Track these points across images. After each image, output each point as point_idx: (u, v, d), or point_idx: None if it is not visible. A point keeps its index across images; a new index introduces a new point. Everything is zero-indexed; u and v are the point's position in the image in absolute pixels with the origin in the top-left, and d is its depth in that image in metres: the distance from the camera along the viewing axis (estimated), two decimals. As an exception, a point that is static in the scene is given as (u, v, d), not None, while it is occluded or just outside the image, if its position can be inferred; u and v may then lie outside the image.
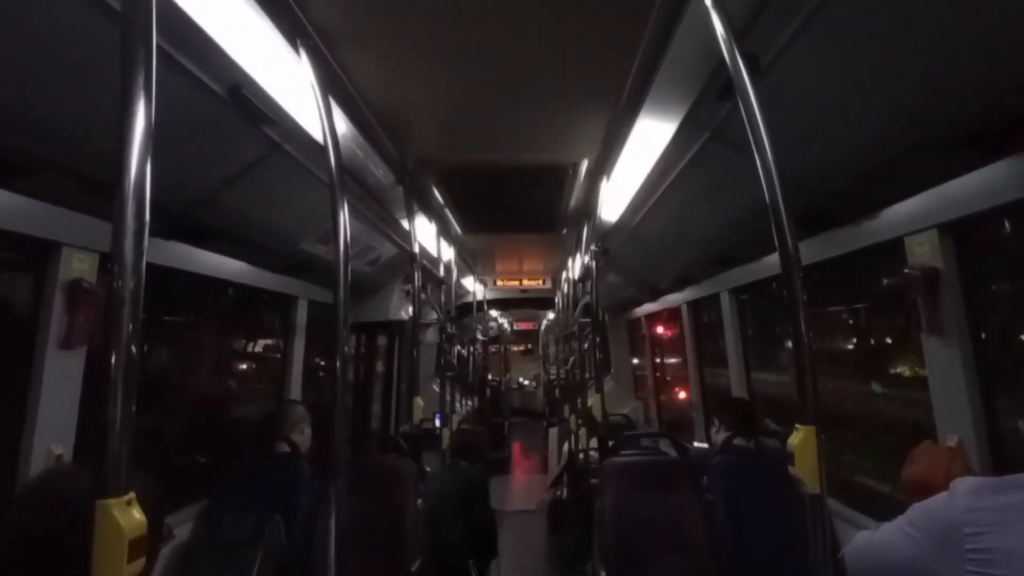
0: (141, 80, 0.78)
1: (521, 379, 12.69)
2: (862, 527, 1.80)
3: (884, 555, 1.24)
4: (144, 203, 0.76)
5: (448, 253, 4.10)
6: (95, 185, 1.65)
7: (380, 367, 5.34)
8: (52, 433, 1.68)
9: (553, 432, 5.55)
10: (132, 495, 0.69)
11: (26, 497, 0.83)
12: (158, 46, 0.81)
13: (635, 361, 6.28)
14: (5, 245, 1.67)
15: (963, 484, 1.13)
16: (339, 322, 1.47)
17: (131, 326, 0.72)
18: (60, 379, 1.71)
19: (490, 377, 8.90)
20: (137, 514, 0.68)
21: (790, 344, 3.09)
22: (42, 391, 1.66)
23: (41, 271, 1.71)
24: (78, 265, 1.75)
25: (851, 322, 2.84)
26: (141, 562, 0.67)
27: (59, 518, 0.75)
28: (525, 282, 6.85)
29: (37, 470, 1.64)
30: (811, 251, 2.13)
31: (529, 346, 14.02)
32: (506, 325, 11.04)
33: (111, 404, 0.70)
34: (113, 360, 0.71)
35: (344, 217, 1.50)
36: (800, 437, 1.04)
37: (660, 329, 5.45)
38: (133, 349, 0.72)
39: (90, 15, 1.16)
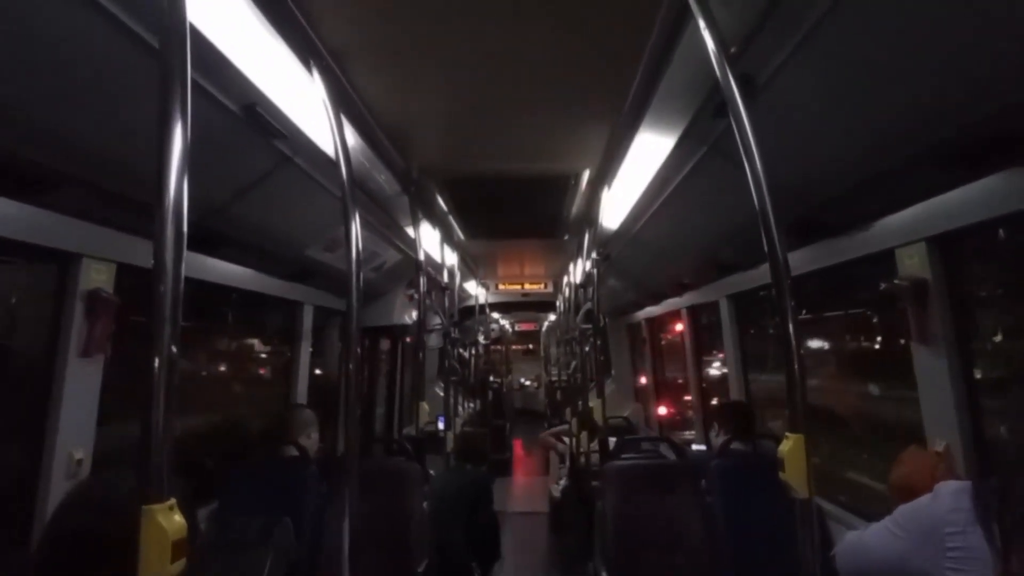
0: (178, 108, 0.83)
1: (523, 380, 12.67)
2: (853, 528, 1.85)
3: (872, 553, 1.31)
4: (182, 219, 0.82)
5: (451, 258, 4.16)
6: (113, 198, 1.72)
7: (383, 371, 5.40)
8: (73, 439, 1.74)
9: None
10: (173, 500, 0.75)
11: (70, 502, 0.89)
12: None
13: (638, 365, 6.34)
14: (28, 256, 1.73)
15: (946, 487, 1.20)
16: (351, 328, 1.52)
17: (172, 336, 0.78)
18: (80, 386, 1.77)
19: (491, 379, 8.93)
20: (178, 518, 0.74)
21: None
22: (63, 398, 1.72)
23: (61, 281, 1.77)
24: (96, 275, 1.81)
25: (843, 329, 2.91)
26: (183, 562, 0.73)
27: (102, 522, 0.81)
28: (527, 286, 6.89)
29: (59, 475, 1.70)
30: (805, 259, 2.19)
31: (531, 346, 14.00)
32: (507, 326, 11.06)
33: (153, 412, 0.75)
34: (156, 368, 0.76)
35: (356, 228, 1.56)
36: (790, 445, 1.09)
37: (660, 333, 5.50)
38: (174, 357, 0.77)
39: (121, 47, 1.22)
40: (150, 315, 0.78)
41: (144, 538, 0.71)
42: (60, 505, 0.88)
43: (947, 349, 1.66)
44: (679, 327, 4.32)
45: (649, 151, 2.13)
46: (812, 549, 1.09)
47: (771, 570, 2.08)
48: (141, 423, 0.75)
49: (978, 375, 1.66)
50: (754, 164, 1.17)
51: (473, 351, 7.83)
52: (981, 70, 1.20)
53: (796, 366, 1.12)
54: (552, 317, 9.48)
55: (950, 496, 1.17)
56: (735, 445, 2.48)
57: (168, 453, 0.75)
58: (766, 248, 1.18)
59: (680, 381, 5.01)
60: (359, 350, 1.56)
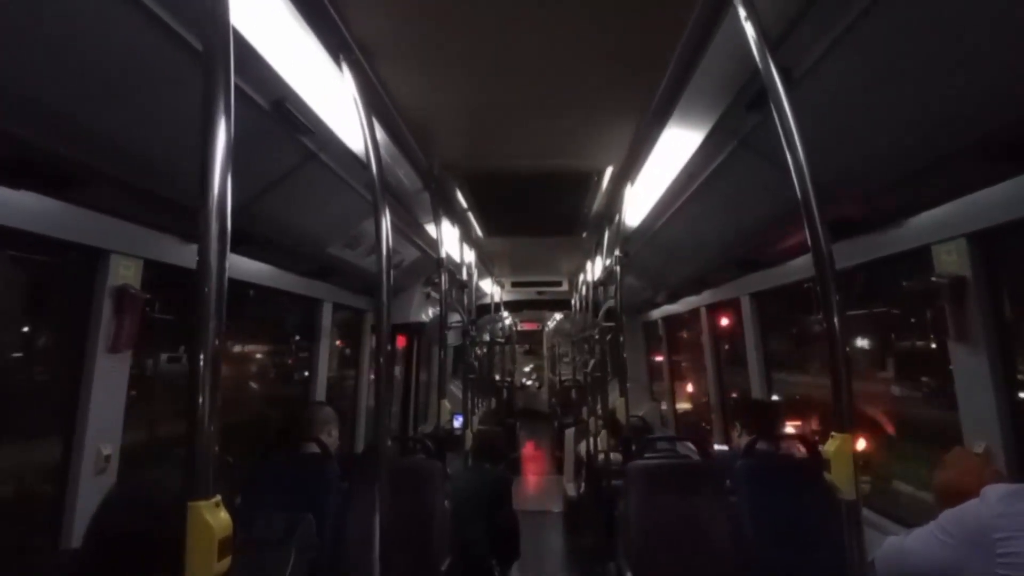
0: (221, 108, 0.82)
1: (524, 380, 12.62)
2: (888, 532, 1.82)
3: (916, 560, 1.27)
4: (226, 217, 0.81)
5: (469, 256, 4.14)
6: (142, 195, 1.72)
7: (400, 369, 5.40)
8: (101, 434, 1.75)
9: (569, 433, 5.56)
10: (219, 497, 0.74)
11: (117, 499, 0.88)
12: None
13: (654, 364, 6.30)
14: (57, 252, 1.74)
15: (994, 491, 1.16)
16: (381, 326, 1.51)
17: (216, 333, 0.77)
18: (108, 381, 1.78)
19: (497, 378, 8.93)
20: (224, 514, 0.73)
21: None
22: (92, 393, 1.73)
23: (90, 277, 1.78)
24: (124, 272, 1.82)
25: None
26: (228, 560, 0.72)
27: (148, 520, 0.80)
28: (542, 284, 6.86)
29: (88, 470, 1.71)
30: (839, 256, 2.14)
31: (529, 347, 13.89)
32: (513, 325, 11.02)
33: (199, 410, 0.74)
34: (200, 366, 0.75)
35: (386, 226, 1.54)
36: (836, 445, 1.06)
37: (677, 332, 5.46)
38: (218, 354, 0.76)
39: (162, 49, 1.23)
40: (194, 313, 0.77)
41: (190, 535, 0.70)
42: (103, 504, 0.87)
43: (987, 348, 1.61)
44: (698, 325, 4.28)
45: (676, 146, 2.10)
46: (859, 554, 1.06)
47: (798, 573, 2.06)
48: (187, 420, 0.74)
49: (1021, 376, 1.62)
50: (797, 156, 1.15)
51: (486, 350, 7.82)
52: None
53: (842, 363, 1.09)
54: (558, 316, 9.42)
55: (999, 500, 1.13)
56: (759, 445, 2.45)
57: (213, 450, 0.74)
58: (809, 242, 1.15)
59: (698, 380, 4.96)
60: (388, 348, 1.54)
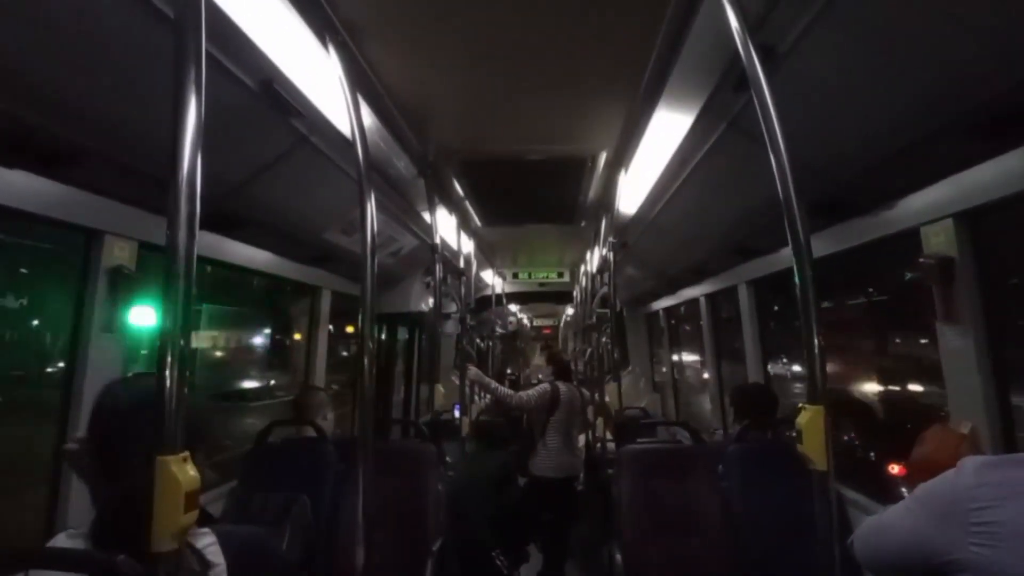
0: (192, 82, 0.83)
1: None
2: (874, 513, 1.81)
3: (890, 535, 1.25)
4: (195, 196, 0.81)
5: (468, 245, 4.15)
6: (136, 176, 1.74)
7: (400, 358, 5.44)
8: None
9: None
10: (187, 452, 0.75)
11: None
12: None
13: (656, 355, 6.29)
14: (52, 232, 1.77)
15: (970, 461, 1.13)
16: (365, 313, 1.51)
17: (184, 302, 0.78)
18: (103, 360, 1.80)
19: (508, 371, 8.94)
20: (191, 470, 0.75)
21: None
22: (87, 372, 1.76)
23: (85, 258, 1.80)
24: (119, 252, 1.84)
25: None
26: (195, 513, 0.74)
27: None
28: (543, 275, 6.87)
29: None
30: (828, 241, 2.14)
31: (548, 343, 14.04)
32: (525, 321, 11.05)
33: (169, 372, 0.76)
34: (170, 332, 0.77)
35: (371, 210, 1.55)
36: (808, 416, 1.07)
37: (678, 323, 5.45)
38: (188, 327, 0.78)
39: (141, 20, 1.23)
40: (164, 289, 0.79)
41: (158, 488, 0.72)
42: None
43: (974, 328, 1.61)
44: (697, 315, 4.27)
45: (667, 129, 2.09)
46: (829, 524, 1.07)
47: (786, 556, 2.06)
48: (156, 381, 0.76)
49: (1007, 356, 1.61)
50: (775, 140, 1.15)
51: (490, 343, 7.83)
52: (1012, 35, 1.15)
53: (815, 338, 1.09)
54: (570, 311, 9.44)
55: (975, 470, 1.11)
56: (754, 432, 2.45)
57: (180, 409, 0.76)
58: (786, 219, 1.15)
59: (699, 370, 4.95)
60: (374, 336, 1.55)
